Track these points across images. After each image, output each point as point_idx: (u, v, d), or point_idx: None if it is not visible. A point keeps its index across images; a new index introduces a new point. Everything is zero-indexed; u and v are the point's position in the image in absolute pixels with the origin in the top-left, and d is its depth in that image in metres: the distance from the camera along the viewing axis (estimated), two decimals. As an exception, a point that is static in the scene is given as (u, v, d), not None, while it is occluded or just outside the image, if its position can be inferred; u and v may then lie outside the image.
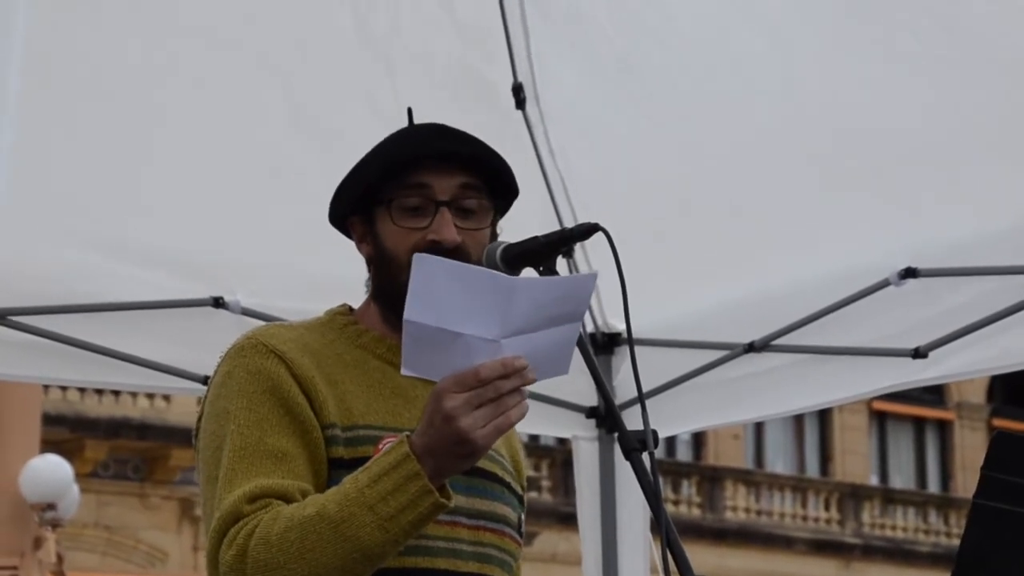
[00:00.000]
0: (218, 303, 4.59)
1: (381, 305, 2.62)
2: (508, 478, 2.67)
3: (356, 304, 2.69)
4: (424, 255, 2.32)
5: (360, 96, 4.46)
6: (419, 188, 2.56)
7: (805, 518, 28.70)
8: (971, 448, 29.77)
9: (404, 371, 2.33)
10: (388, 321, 2.61)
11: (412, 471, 2.31)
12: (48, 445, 16.33)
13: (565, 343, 2.38)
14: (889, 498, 29.62)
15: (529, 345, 2.33)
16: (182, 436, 19.31)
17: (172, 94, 4.44)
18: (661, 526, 2.33)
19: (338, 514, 2.32)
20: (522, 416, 2.32)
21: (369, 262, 2.64)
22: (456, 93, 4.58)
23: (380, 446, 2.50)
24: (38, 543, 13.97)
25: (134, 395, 21.22)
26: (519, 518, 2.68)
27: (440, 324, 2.29)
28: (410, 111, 2.70)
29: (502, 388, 2.29)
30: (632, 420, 2.46)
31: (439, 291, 2.28)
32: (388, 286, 2.58)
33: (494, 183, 2.61)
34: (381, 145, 2.63)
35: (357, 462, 2.45)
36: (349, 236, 2.68)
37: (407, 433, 2.35)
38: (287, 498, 2.40)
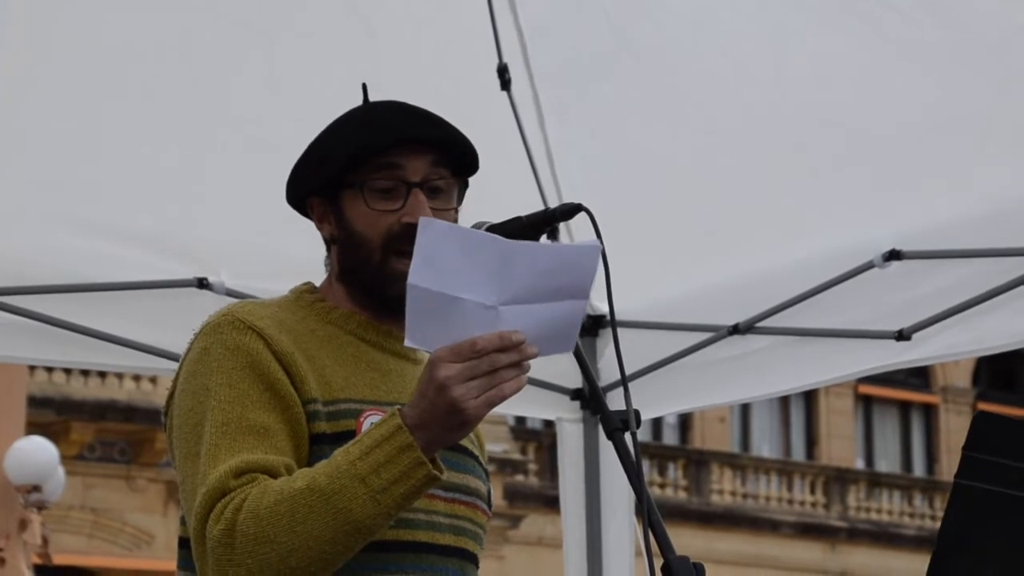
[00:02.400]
0: (202, 284, 4.58)
1: (348, 285, 2.62)
2: (476, 451, 2.68)
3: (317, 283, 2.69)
4: (430, 219, 2.32)
5: (343, 71, 4.45)
6: (391, 170, 2.56)
7: (791, 501, 28.76)
8: (956, 432, 29.81)
9: (408, 342, 2.31)
10: (355, 300, 2.61)
11: (405, 443, 2.31)
12: (34, 427, 16.32)
13: (568, 319, 2.36)
14: (875, 482, 29.70)
15: (529, 316, 2.31)
16: (161, 417, 19.18)
17: (156, 74, 4.42)
18: (643, 505, 2.33)
19: (329, 486, 2.31)
20: (517, 390, 2.31)
21: (332, 242, 2.63)
22: (440, 62, 4.57)
23: (361, 419, 2.50)
24: (23, 525, 13.94)
25: (120, 377, 21.20)
26: (488, 490, 2.69)
27: (441, 288, 2.28)
28: (365, 87, 2.69)
29: (498, 362, 2.29)
30: (617, 402, 2.46)
31: (442, 255, 2.27)
32: (359, 268, 2.58)
33: (459, 160, 2.61)
34: (345, 128, 2.61)
35: (339, 436, 2.45)
36: (306, 215, 2.67)
37: (399, 406, 2.34)
38: (273, 473, 2.39)
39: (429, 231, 2.28)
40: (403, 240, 2.50)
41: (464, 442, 2.63)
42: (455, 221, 2.58)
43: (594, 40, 4.66)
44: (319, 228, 2.65)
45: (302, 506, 2.32)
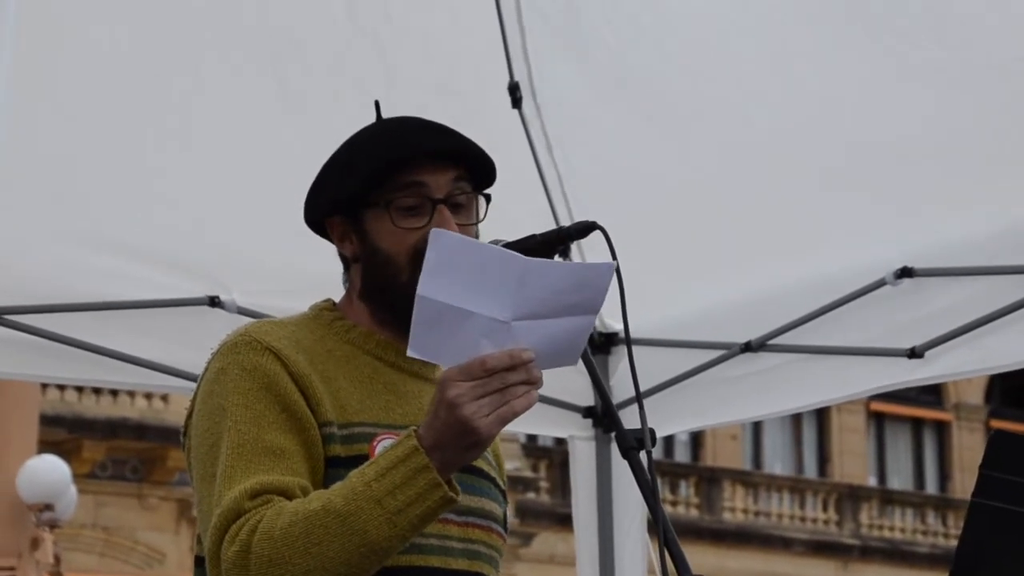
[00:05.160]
0: (214, 302, 4.58)
1: (372, 304, 2.60)
2: (493, 473, 2.67)
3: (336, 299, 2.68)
4: (442, 230, 2.31)
5: (353, 87, 4.45)
6: (416, 187, 2.55)
7: (803, 519, 28.71)
8: (969, 449, 29.78)
9: (410, 352, 2.30)
10: (377, 318, 2.60)
11: (421, 464, 2.30)
12: (46, 445, 16.32)
13: (578, 334, 2.35)
14: (887, 499, 29.64)
15: (541, 331, 2.30)
16: (180, 438, 19.09)
17: (167, 89, 4.43)
18: (658, 524, 2.32)
19: (345, 508, 2.30)
20: (529, 406, 2.30)
21: (354, 261, 2.61)
22: (450, 83, 4.57)
23: (374, 443, 2.49)
24: (35, 544, 13.95)
25: (132, 395, 21.22)
26: (504, 513, 2.67)
27: (452, 302, 2.27)
28: (377, 105, 2.68)
29: (508, 380, 2.28)
30: (629, 420, 2.45)
31: (454, 268, 2.26)
32: (385, 286, 2.56)
33: (477, 173, 2.61)
34: (365, 145, 2.60)
35: (353, 460, 2.44)
36: (323, 234, 2.65)
37: (414, 428, 2.33)
38: (288, 494, 2.38)
39: (441, 243, 2.27)
40: None
41: (481, 463, 2.62)
42: (476, 236, 2.57)
43: (599, 65, 4.67)
44: (340, 247, 2.63)
45: (317, 527, 2.30)
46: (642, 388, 2.53)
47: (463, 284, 2.27)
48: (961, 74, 4.25)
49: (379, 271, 2.57)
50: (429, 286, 2.27)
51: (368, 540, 2.30)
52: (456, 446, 2.30)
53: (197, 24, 4.41)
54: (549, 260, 2.37)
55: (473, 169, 2.59)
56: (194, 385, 2.59)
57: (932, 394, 30.25)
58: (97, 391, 21.01)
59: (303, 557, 2.30)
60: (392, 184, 2.55)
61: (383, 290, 2.57)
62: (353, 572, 2.32)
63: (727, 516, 28.05)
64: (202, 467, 2.47)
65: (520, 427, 6.16)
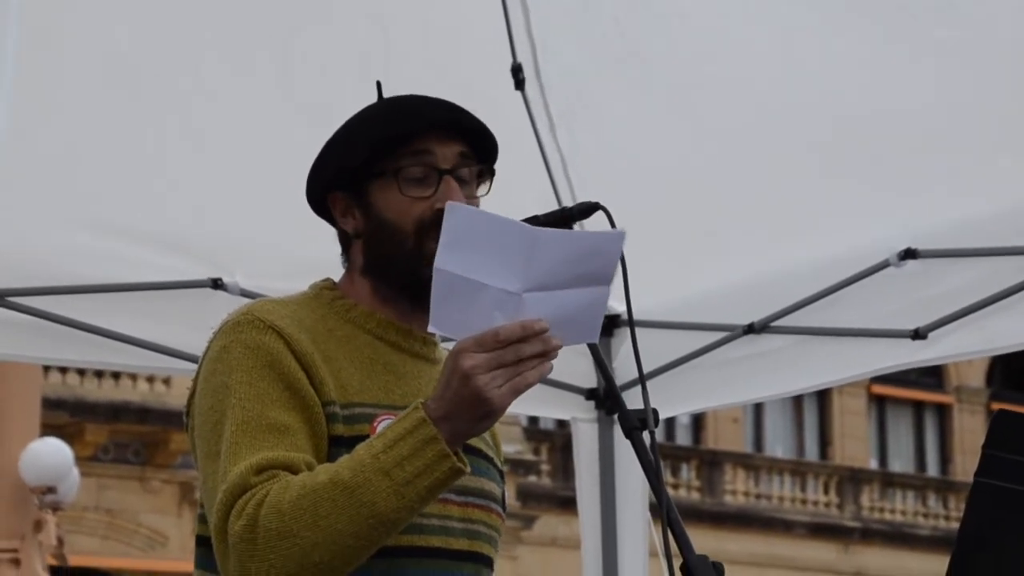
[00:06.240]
0: (217, 284, 4.58)
1: (374, 279, 2.59)
2: (491, 453, 2.66)
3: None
4: (457, 203, 2.31)
5: (353, 70, 4.45)
6: (424, 156, 2.55)
7: (804, 502, 28.76)
8: (970, 432, 29.82)
9: (431, 327, 2.30)
10: (380, 295, 2.59)
11: (428, 435, 2.30)
12: (48, 429, 16.33)
13: (593, 306, 2.35)
14: (888, 482, 29.68)
15: (553, 303, 2.30)
16: (182, 420, 19.11)
17: (168, 75, 4.42)
18: (661, 504, 2.32)
19: (352, 480, 2.30)
20: (541, 377, 2.30)
21: (356, 236, 2.60)
22: (453, 66, 4.57)
23: (375, 424, 2.49)
24: (38, 526, 13.96)
25: (134, 379, 21.26)
26: (502, 493, 2.67)
27: (466, 273, 2.27)
28: (379, 85, 2.68)
29: (522, 352, 2.27)
30: (632, 402, 2.45)
31: (469, 240, 2.27)
32: (391, 256, 2.56)
33: (481, 150, 2.61)
34: (371, 119, 2.59)
35: (355, 440, 2.43)
36: (323, 213, 2.65)
37: (421, 400, 2.34)
38: (294, 470, 2.38)
39: (456, 215, 2.28)
40: (436, 227, 2.47)
41: (479, 444, 2.62)
42: None
43: (604, 45, 4.66)
44: (342, 223, 2.62)
45: (325, 500, 2.30)
46: (645, 370, 2.53)
47: (478, 256, 2.27)
48: (965, 55, 4.24)
49: (384, 243, 2.56)
50: (446, 258, 2.27)
51: (376, 512, 2.30)
52: (468, 417, 2.30)
53: (198, 9, 4.40)
54: (557, 229, 2.37)
55: (477, 145, 2.60)
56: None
57: (933, 377, 30.29)
58: (99, 374, 21.07)
59: (311, 530, 2.30)
60: (399, 154, 2.55)
61: (388, 262, 2.56)
62: (362, 544, 2.32)
63: (728, 499, 28.10)
64: (206, 445, 2.46)
65: (522, 409, 6.16)
